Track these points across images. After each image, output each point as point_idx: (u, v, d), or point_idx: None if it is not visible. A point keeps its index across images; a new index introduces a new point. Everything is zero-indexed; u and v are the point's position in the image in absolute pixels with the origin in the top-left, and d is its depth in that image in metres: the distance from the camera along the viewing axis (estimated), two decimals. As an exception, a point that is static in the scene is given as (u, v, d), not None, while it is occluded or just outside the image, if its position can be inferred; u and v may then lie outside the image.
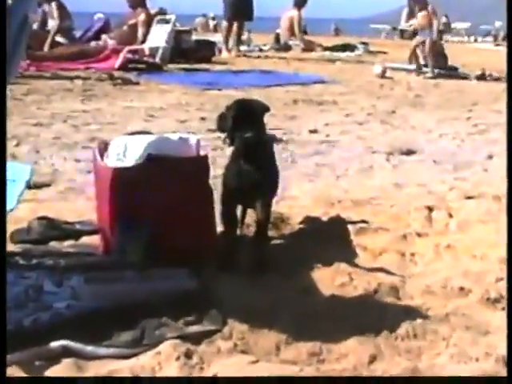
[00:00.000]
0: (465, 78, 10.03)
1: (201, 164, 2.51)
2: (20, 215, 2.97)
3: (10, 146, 4.49)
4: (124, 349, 1.93)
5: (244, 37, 13.93)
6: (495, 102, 7.12)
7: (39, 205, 3.18)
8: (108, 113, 6.00)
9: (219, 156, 3.67)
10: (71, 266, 2.40)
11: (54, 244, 2.71)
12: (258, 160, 2.52)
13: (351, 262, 2.60)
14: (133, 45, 10.06)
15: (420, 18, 10.60)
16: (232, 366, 1.86)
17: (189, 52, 10.77)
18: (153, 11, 11.16)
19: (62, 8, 11.16)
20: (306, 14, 15.13)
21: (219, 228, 2.58)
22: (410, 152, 4.70)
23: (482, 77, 9.85)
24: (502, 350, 1.91)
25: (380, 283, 2.38)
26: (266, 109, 2.64)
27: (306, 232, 2.90)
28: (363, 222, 3.02)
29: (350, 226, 2.99)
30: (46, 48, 10.37)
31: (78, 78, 8.29)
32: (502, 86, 8.16)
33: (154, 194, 2.41)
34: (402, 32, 19.68)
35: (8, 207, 3.11)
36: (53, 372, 1.83)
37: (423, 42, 10.43)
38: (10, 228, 2.81)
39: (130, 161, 2.44)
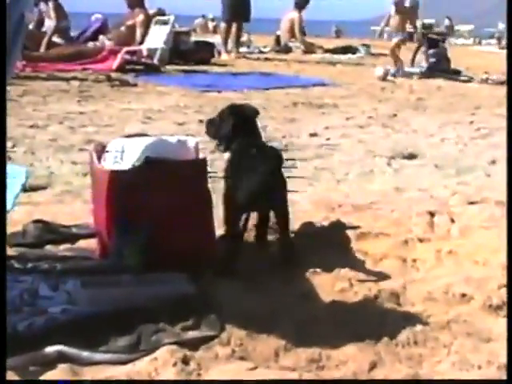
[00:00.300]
0: (468, 81, 10.05)
1: (199, 167, 2.51)
2: (15, 218, 2.96)
3: (6, 147, 4.49)
4: (120, 354, 1.93)
5: (244, 38, 13.97)
6: (498, 106, 7.13)
7: (35, 208, 3.18)
8: (105, 115, 6.01)
9: (218, 159, 3.67)
10: (67, 270, 2.40)
11: (49, 247, 2.71)
12: (267, 162, 2.54)
13: (351, 267, 2.61)
14: (131, 46, 10.08)
15: (393, 20, 10.73)
16: (230, 372, 1.86)
17: (187, 53, 10.80)
18: (151, 12, 11.19)
19: (59, 8, 11.18)
20: (306, 16, 15.16)
21: (219, 232, 2.59)
22: (411, 156, 4.71)
23: (485, 80, 9.88)
24: (505, 358, 1.92)
25: (381, 289, 2.39)
26: (257, 112, 2.73)
27: (306, 237, 2.90)
28: (358, 227, 3.03)
29: (350, 231, 3.00)
30: (42, 48, 10.39)
31: (74, 79, 8.31)
32: (506, 90, 8.17)
33: (151, 197, 2.41)
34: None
35: (3, 210, 3.12)
36: (48, 378, 1.83)
37: (402, 43, 10.59)
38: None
39: (127, 164, 2.44)
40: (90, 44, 10.79)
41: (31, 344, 1.93)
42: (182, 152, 2.51)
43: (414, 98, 7.95)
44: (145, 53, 10.04)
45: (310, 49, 14.43)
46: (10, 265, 2.47)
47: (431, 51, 10.72)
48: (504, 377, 1.87)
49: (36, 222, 2.84)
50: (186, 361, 1.90)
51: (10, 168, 3.97)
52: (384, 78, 9.68)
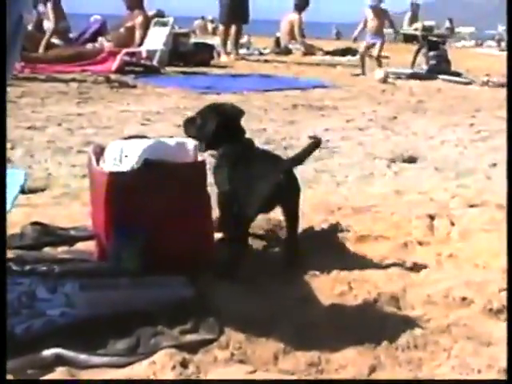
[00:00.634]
0: (468, 83, 10.06)
1: (198, 170, 2.51)
2: (13, 220, 2.96)
3: (4, 149, 4.49)
4: (119, 357, 1.93)
5: (243, 40, 13.98)
6: (499, 108, 7.13)
7: (33, 210, 3.18)
8: (104, 116, 6.01)
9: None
10: (65, 273, 2.40)
11: (47, 250, 2.71)
12: (276, 164, 2.55)
13: (351, 270, 2.61)
14: (130, 47, 10.09)
15: (371, 23, 10.81)
16: (229, 375, 1.86)
17: (187, 55, 10.82)
18: (150, 13, 11.21)
19: (57, 9, 11.19)
20: (306, 18, 15.17)
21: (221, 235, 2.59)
22: (411, 159, 4.71)
23: (486, 82, 9.90)
24: (505, 362, 1.92)
25: (380, 292, 2.38)
26: (242, 112, 2.70)
27: (305, 240, 2.90)
28: (357, 230, 3.03)
29: (349, 234, 3.00)
30: (41, 50, 10.40)
31: (73, 80, 8.32)
32: (506, 92, 8.18)
33: (150, 199, 2.41)
34: (405, 36, 19.74)
35: (1, 212, 3.12)
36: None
37: (373, 45, 10.68)
38: (3, 233, 2.81)
39: (126, 166, 2.44)
40: (89, 45, 10.80)
41: (29, 347, 1.93)
42: (181, 154, 2.51)
43: (414, 101, 7.96)
44: (144, 54, 10.06)
45: (309, 50, 14.45)
46: (7, 267, 2.47)
47: (431, 53, 10.74)
48: (504, 381, 1.87)
49: (34, 224, 2.84)
50: (184, 364, 1.90)
51: (8, 170, 3.97)
52: (384, 81, 9.69)
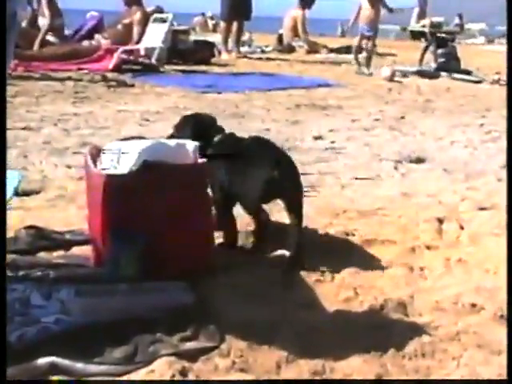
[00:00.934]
0: (479, 81, 10.06)
1: (199, 171, 2.52)
2: (7, 224, 2.97)
3: (-3, 150, 4.50)
4: (116, 366, 1.93)
5: (245, 37, 13.99)
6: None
7: (27, 213, 3.19)
8: (101, 116, 6.02)
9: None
10: (61, 278, 2.40)
11: (42, 254, 2.71)
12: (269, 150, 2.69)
13: (356, 275, 2.61)
14: (128, 45, 10.10)
15: (365, 13, 10.74)
16: (230, 384, 1.87)
17: (186, 53, 10.82)
18: (149, 9, 11.21)
19: (52, 5, 11.19)
20: (310, 14, 15.17)
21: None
22: (419, 160, 4.71)
23: (497, 81, 9.90)
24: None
25: (387, 299, 2.39)
26: (215, 120, 2.90)
27: (309, 244, 2.90)
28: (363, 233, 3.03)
29: (355, 238, 3.01)
30: (35, 47, 10.40)
31: (69, 79, 8.32)
32: (506, 91, 8.19)
33: (149, 202, 2.42)
34: (413, 33, 19.73)
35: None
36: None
37: (368, 38, 10.65)
38: (-3, 237, 2.82)
39: (124, 167, 2.44)
40: (86, 43, 10.81)
41: (23, 355, 1.93)
42: (180, 156, 2.52)
43: (422, 100, 7.96)
44: (142, 52, 10.07)
45: (313, 48, 14.45)
46: None
47: (440, 51, 10.74)
48: None
49: (28, 227, 2.84)
50: (184, 373, 1.91)
51: (1, 171, 3.98)
52: (391, 79, 9.69)
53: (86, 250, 2.68)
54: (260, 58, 12.67)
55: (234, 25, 12.52)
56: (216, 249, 2.66)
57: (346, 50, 14.44)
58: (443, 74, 10.29)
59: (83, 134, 5.19)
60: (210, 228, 2.55)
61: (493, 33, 26.52)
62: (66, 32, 11.81)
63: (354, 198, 3.70)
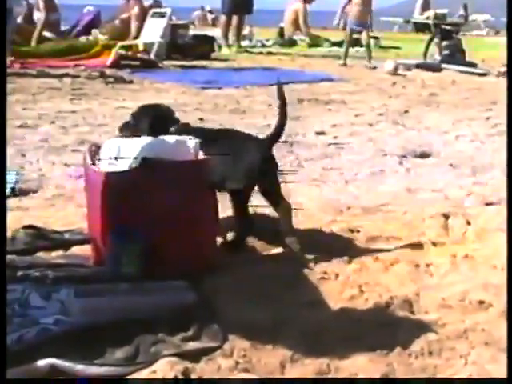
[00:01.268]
0: (484, 74, 10.05)
1: (200, 168, 2.52)
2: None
3: (-6, 149, 4.51)
4: (117, 367, 1.93)
5: (245, 31, 13.97)
6: (517, 101, 7.12)
7: (25, 213, 3.19)
8: (99, 113, 6.03)
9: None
10: (60, 278, 2.40)
11: (41, 254, 2.72)
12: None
13: (361, 273, 2.61)
14: (126, 40, 10.10)
15: (355, 7, 10.74)
16: (233, 385, 1.87)
17: (186, 48, 10.82)
18: (147, 4, 11.23)
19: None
20: (311, 7, 15.15)
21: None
22: (424, 155, 4.71)
23: (503, 73, 9.88)
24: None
25: (392, 296, 2.39)
26: (172, 111, 2.95)
27: (312, 241, 2.90)
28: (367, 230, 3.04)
29: (359, 235, 3.01)
30: (33, 43, 10.40)
31: (66, 75, 8.33)
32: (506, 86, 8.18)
33: (149, 200, 2.42)
34: (416, 25, 19.70)
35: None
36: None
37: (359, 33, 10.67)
38: (-6, 237, 2.83)
39: (123, 165, 2.45)
40: (83, 38, 10.82)
41: (22, 357, 1.93)
42: (181, 152, 2.52)
43: (426, 93, 7.96)
44: (141, 47, 10.07)
45: (315, 42, 14.44)
46: (-2, 273, 2.48)
47: (445, 43, 10.73)
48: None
49: (26, 227, 2.85)
50: (186, 373, 1.91)
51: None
52: (394, 72, 9.68)
53: (85, 250, 2.68)
54: (261, 53, 12.66)
55: (235, 18, 12.50)
56: (218, 247, 2.67)
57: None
58: (448, 66, 10.27)
59: (81, 132, 5.19)
60: (213, 226, 2.56)
61: (498, 24, 26.46)
62: (63, 27, 11.81)
63: (357, 194, 3.71)
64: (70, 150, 4.58)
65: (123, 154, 2.48)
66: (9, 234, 2.82)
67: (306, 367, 1.97)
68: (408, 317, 2.29)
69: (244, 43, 13.31)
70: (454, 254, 2.81)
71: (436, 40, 11.02)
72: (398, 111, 6.58)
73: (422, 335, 2.13)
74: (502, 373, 1.94)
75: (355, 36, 12.67)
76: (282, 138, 4.93)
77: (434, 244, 2.92)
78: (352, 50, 13.45)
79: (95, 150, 2.63)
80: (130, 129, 2.87)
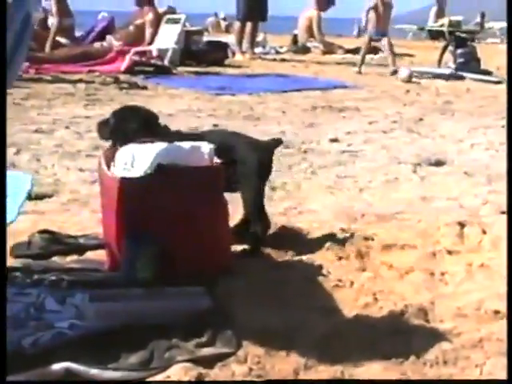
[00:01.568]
0: (499, 82, 10.02)
1: (214, 174, 2.53)
2: (20, 228, 2.99)
3: (10, 153, 4.54)
4: (131, 372, 1.94)
5: (259, 38, 13.99)
6: (532, 109, 7.09)
7: (40, 217, 3.21)
8: (113, 119, 6.04)
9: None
10: (75, 283, 2.42)
11: (56, 259, 2.74)
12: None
13: (375, 281, 2.61)
14: (140, 46, 10.14)
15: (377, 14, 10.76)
16: (247, 391, 1.87)
17: (200, 54, 10.84)
18: (161, 10, 11.25)
19: (61, 4, 11.21)
20: (326, 14, 15.15)
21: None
22: (439, 163, 4.70)
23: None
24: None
25: (407, 304, 2.39)
26: (156, 116, 2.92)
27: (326, 248, 2.90)
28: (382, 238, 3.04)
29: (373, 243, 3.00)
30: (47, 49, 10.45)
31: (80, 81, 8.37)
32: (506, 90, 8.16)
33: (164, 205, 2.43)
34: (431, 32, 19.68)
35: (8, 219, 3.15)
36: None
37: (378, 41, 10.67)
38: (10, 242, 2.84)
39: (138, 171, 2.46)
40: (97, 44, 10.86)
41: (37, 360, 1.95)
42: (195, 158, 2.53)
43: (441, 101, 7.94)
44: (155, 53, 10.09)
45: (329, 49, 14.43)
46: (14, 277, 2.49)
47: (459, 51, 10.70)
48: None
49: (42, 232, 2.86)
50: (200, 379, 1.91)
51: (14, 175, 4.02)
52: (409, 80, 9.67)
53: (100, 255, 2.70)
54: (274, 59, 12.67)
55: (249, 25, 12.53)
56: (233, 252, 2.68)
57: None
58: (463, 74, 10.25)
59: (95, 137, 5.15)
60: (227, 231, 2.56)
61: (514, 32, 26.32)
62: (77, 33, 11.86)
63: (372, 202, 3.70)
64: (84, 155, 4.60)
65: (138, 159, 2.49)
66: (24, 238, 2.85)
67: (319, 374, 1.97)
68: (423, 325, 2.29)
69: (257, 50, 13.32)
70: (470, 262, 2.80)
71: (451, 48, 10.99)
72: (412, 119, 6.57)
73: (436, 344, 2.12)
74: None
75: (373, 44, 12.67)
76: (296, 146, 4.97)
77: (450, 252, 2.91)
78: (367, 58, 13.47)
79: (110, 156, 2.65)
80: (108, 128, 2.83)
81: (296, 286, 2.52)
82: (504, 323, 2.29)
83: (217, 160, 2.55)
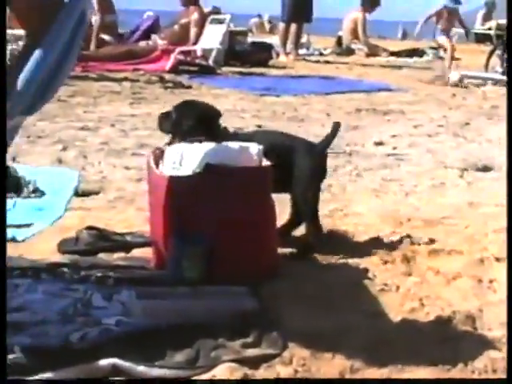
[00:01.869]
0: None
1: (263, 175, 2.53)
2: (68, 223, 3.05)
3: (56, 150, 4.61)
4: (178, 370, 1.95)
5: (303, 39, 13.98)
6: None
7: (87, 213, 3.25)
8: (158, 118, 6.09)
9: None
10: (121, 280, 2.44)
11: (102, 256, 2.76)
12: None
13: (422, 286, 2.59)
14: (185, 45, 10.19)
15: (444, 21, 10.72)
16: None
17: (244, 55, 10.87)
18: (206, 10, 11.29)
19: (104, 1, 11.30)
20: (370, 16, 15.07)
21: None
22: (486, 168, 4.64)
23: None
24: None
25: (455, 311, 2.36)
26: (220, 114, 2.97)
27: (372, 252, 2.89)
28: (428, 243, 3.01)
29: (420, 247, 2.98)
30: (92, 47, 10.56)
31: (126, 79, 8.45)
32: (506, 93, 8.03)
33: (211, 205, 2.44)
34: (477, 36, 19.42)
35: (56, 215, 3.21)
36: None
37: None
38: (58, 237, 2.89)
39: (186, 170, 2.47)
40: (142, 43, 10.94)
41: (84, 356, 1.96)
42: (244, 158, 2.53)
43: (487, 106, 7.83)
44: (199, 53, 10.14)
45: (373, 51, 14.35)
46: (61, 272, 2.53)
47: (507, 55, 10.54)
48: None
49: (89, 228, 2.89)
50: (245, 380, 1.91)
51: (61, 171, 4.10)
52: (459, 84, 9.55)
53: (146, 253, 2.72)
54: (318, 61, 12.64)
55: (293, 26, 12.52)
56: (279, 254, 2.68)
57: (408, 53, 14.33)
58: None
59: (141, 135, 5.26)
60: (273, 233, 2.56)
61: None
62: (121, 31, 11.95)
63: (418, 206, 3.67)
64: (129, 153, 4.64)
65: (187, 158, 2.51)
66: (72, 233, 2.89)
67: (366, 378, 1.96)
68: (471, 332, 2.26)
69: (301, 51, 13.31)
70: (518, 270, 2.76)
71: (498, 52, 10.84)
72: (458, 123, 6.49)
73: (485, 352, 2.09)
74: None
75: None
76: (341, 148, 4.95)
77: (498, 259, 2.87)
78: (410, 60, 13.36)
79: (159, 154, 2.67)
80: (169, 122, 2.86)
81: (341, 289, 2.51)
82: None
83: (265, 161, 2.55)
